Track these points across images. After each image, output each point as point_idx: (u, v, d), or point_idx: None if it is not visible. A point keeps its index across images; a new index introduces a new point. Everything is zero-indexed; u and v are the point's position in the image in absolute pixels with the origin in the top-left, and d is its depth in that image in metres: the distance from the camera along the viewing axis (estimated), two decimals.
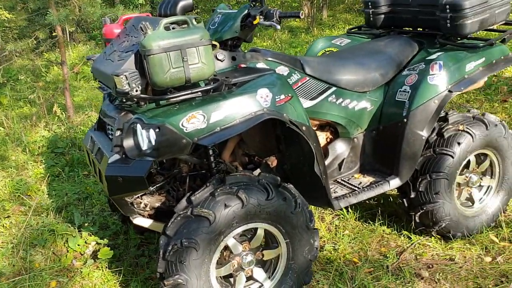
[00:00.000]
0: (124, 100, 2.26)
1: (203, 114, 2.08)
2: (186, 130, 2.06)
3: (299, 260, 2.34)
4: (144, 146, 2.12)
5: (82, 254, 3.00)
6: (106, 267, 2.83)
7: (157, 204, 2.52)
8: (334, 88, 2.68)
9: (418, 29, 3.18)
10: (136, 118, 2.16)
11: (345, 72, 2.73)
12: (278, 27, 2.34)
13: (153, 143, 2.07)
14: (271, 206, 2.18)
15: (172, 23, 2.16)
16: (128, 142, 2.19)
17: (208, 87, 2.16)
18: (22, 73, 6.75)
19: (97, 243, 3.04)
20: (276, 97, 2.22)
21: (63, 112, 5.47)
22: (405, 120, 2.65)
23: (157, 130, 2.06)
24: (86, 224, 3.30)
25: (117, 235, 3.18)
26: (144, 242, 3.08)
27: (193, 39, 2.10)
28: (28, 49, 5.69)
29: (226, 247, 2.24)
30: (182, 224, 2.10)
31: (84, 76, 8.45)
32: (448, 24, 2.77)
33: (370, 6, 3.29)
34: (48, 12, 5.06)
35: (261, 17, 2.38)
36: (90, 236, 3.10)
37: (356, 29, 3.64)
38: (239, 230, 2.19)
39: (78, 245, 3.03)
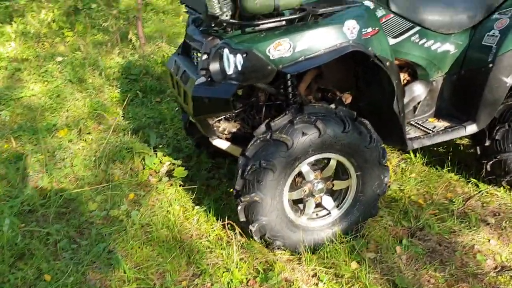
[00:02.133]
0: (213, 25, 2.33)
1: (289, 43, 2.13)
2: (272, 57, 2.12)
3: (368, 193, 2.41)
4: (230, 70, 2.21)
5: (157, 172, 3.21)
6: (180, 185, 3.02)
7: (234, 130, 2.63)
8: (418, 28, 2.63)
9: None
10: (224, 43, 2.24)
11: (431, 12, 2.65)
12: None
13: (239, 67, 2.15)
14: (346, 139, 2.24)
15: None
16: (214, 66, 2.29)
17: (296, 16, 2.19)
18: (97, 1, 6.93)
19: (172, 163, 3.24)
20: (363, 30, 2.22)
21: (138, 40, 5.64)
22: (490, 65, 2.57)
23: (244, 55, 2.13)
24: (161, 146, 3.50)
25: (189, 158, 3.36)
26: (215, 166, 3.25)
27: None
28: None
29: (300, 174, 2.34)
30: (261, 147, 2.21)
31: (153, 8, 8.59)
32: None
33: None
34: None
35: None
36: (165, 156, 3.29)
37: None
38: (314, 158, 2.27)
39: (154, 163, 3.24)
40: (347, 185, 2.42)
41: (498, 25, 2.63)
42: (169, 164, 3.25)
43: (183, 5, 2.74)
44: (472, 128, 2.67)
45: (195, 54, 2.58)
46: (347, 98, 2.74)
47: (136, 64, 5.21)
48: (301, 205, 2.44)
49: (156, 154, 3.32)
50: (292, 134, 2.17)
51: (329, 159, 2.34)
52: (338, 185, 2.43)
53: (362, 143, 2.28)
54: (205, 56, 2.34)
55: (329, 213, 2.45)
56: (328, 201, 2.44)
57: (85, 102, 4.30)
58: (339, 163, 2.36)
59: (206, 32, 2.46)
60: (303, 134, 2.17)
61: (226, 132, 2.60)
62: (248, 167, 2.19)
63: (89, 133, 3.75)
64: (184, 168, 3.13)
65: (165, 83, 4.85)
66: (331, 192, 2.46)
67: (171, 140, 3.61)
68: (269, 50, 2.11)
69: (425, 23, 2.64)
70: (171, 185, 3.05)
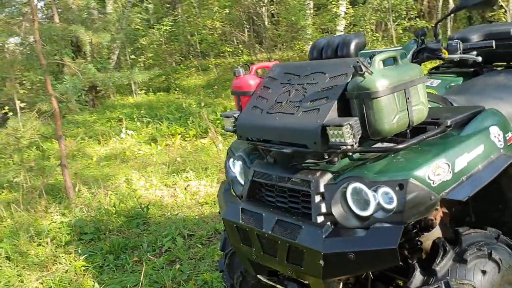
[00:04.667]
0: (327, 157, 1.82)
1: (447, 163, 1.71)
2: (433, 184, 1.67)
3: None
4: (369, 210, 1.70)
5: None
6: None
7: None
8: None
9: None
10: (352, 176, 1.74)
11: (500, 98, 2.44)
12: (480, 59, 2.07)
13: (394, 204, 1.65)
14: None
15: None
16: (339, 209, 1.76)
17: (437, 130, 1.82)
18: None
19: None
20: (506, 135, 1.91)
21: (90, 193, 4.76)
22: None
23: (397, 188, 1.65)
24: None
25: None
26: None
27: (413, 76, 1.78)
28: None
29: None
30: None
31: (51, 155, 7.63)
32: None
33: None
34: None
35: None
36: None
37: (434, 69, 3.49)
38: None
39: None
40: None
41: None
42: None
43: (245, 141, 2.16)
44: None
45: (277, 195, 1.99)
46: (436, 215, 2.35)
47: (87, 220, 4.30)
48: None
49: None
50: (471, 276, 1.68)
51: None
52: None
53: None
54: (318, 198, 1.80)
55: None
56: None
57: (44, 282, 3.27)
58: None
59: (299, 167, 1.93)
60: (483, 273, 1.69)
61: None
62: None
63: None
64: None
65: (133, 236, 4.02)
66: None
67: None
68: (429, 176, 1.66)
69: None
70: None
